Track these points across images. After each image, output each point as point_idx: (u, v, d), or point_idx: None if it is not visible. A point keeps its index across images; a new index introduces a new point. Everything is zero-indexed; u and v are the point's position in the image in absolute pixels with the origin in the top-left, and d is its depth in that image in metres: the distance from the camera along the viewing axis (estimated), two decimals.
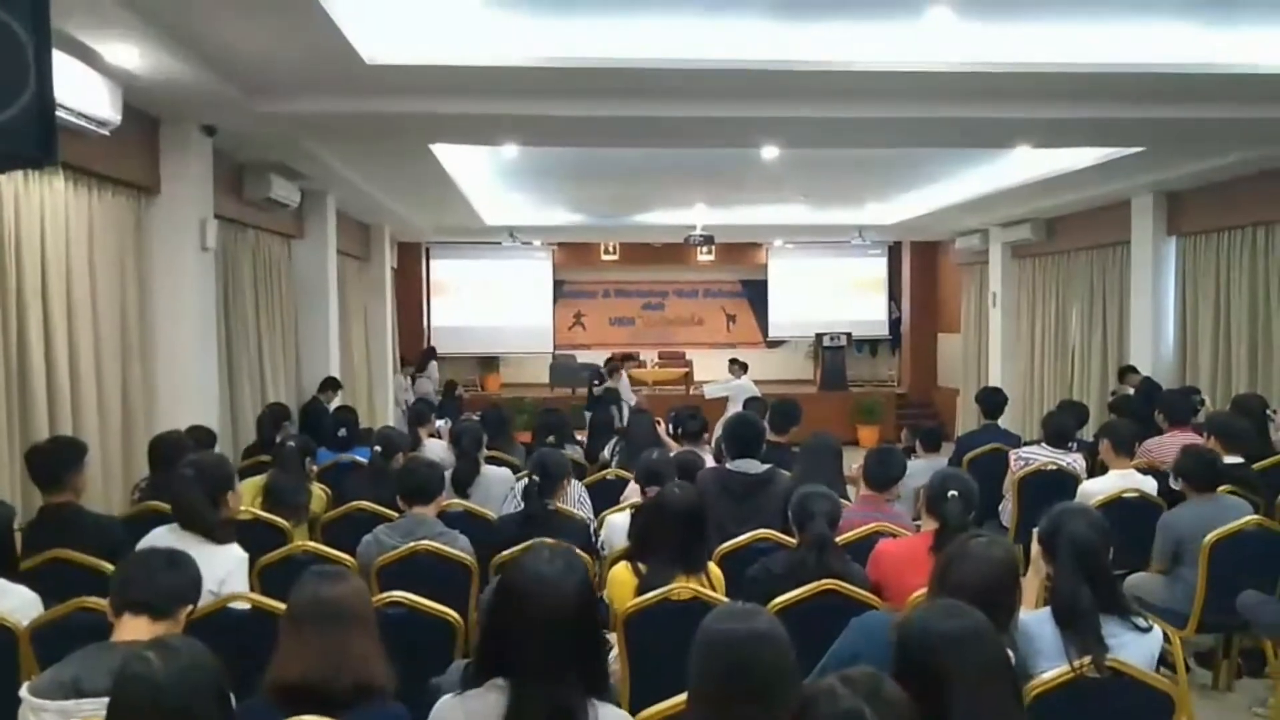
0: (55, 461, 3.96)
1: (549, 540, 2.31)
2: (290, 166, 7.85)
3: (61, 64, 4.03)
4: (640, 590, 3.27)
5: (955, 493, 3.46)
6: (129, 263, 5.89)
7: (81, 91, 4.68)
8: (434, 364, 14.64)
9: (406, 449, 5.40)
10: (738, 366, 12.08)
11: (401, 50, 5.20)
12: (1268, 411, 6.15)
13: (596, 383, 11.29)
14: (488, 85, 5.69)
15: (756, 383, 11.75)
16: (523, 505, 4.35)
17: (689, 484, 3.89)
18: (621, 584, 3.40)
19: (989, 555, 2.54)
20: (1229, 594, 4.17)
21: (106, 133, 5.01)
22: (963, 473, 3.85)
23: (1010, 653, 2.21)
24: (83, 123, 4.76)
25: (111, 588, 2.51)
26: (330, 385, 8.95)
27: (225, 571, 3.32)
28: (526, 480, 4.37)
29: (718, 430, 6.12)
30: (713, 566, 3.51)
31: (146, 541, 3.38)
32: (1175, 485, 4.69)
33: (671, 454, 5.11)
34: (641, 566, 3.39)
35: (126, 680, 1.89)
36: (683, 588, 3.21)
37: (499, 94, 5.84)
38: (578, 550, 3.82)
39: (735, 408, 9.68)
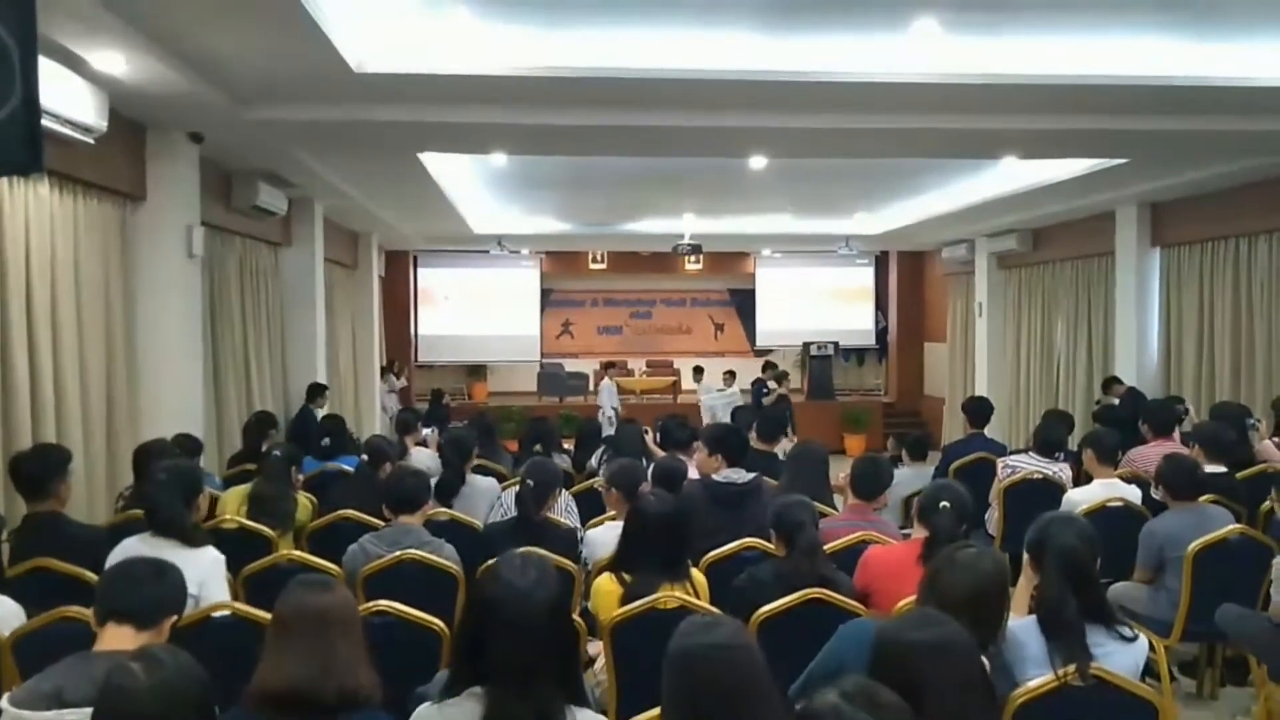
0: (40, 470, 3.93)
1: (521, 550, 2.30)
2: (278, 174, 7.83)
3: (48, 71, 4.04)
4: (625, 600, 3.27)
5: (947, 503, 3.48)
6: (114, 270, 5.86)
7: (68, 98, 4.66)
8: (391, 378, 13.82)
9: (395, 458, 5.39)
10: (728, 375, 12.30)
11: (389, 59, 5.19)
12: (1250, 421, 6.19)
13: (765, 391, 11.38)
14: (476, 94, 5.69)
15: (744, 391, 11.85)
16: (511, 513, 4.36)
17: (665, 492, 3.89)
18: (606, 594, 3.40)
19: (978, 566, 2.55)
20: (1212, 603, 4.19)
21: (92, 140, 4.99)
22: (956, 484, 3.86)
23: (986, 662, 2.22)
24: (69, 130, 4.74)
25: (96, 597, 2.50)
26: (316, 392, 8.91)
27: (203, 574, 3.32)
28: (519, 487, 4.37)
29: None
30: (696, 573, 3.51)
31: (119, 552, 3.36)
32: (1156, 494, 4.72)
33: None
34: (626, 576, 3.39)
35: (110, 692, 1.88)
36: (669, 596, 3.21)
37: (487, 103, 5.84)
38: (560, 558, 3.86)
39: (723, 418, 9.77)
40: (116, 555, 3.36)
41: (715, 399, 11.95)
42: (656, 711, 2.28)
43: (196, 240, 6.40)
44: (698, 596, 3.36)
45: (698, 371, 13.49)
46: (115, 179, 5.82)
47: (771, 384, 11.39)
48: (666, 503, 3.55)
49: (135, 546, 3.40)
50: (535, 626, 2.03)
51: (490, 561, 3.78)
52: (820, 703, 1.66)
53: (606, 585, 3.42)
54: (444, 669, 2.84)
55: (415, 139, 6.96)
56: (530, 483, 4.26)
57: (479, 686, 2.04)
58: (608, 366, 13.84)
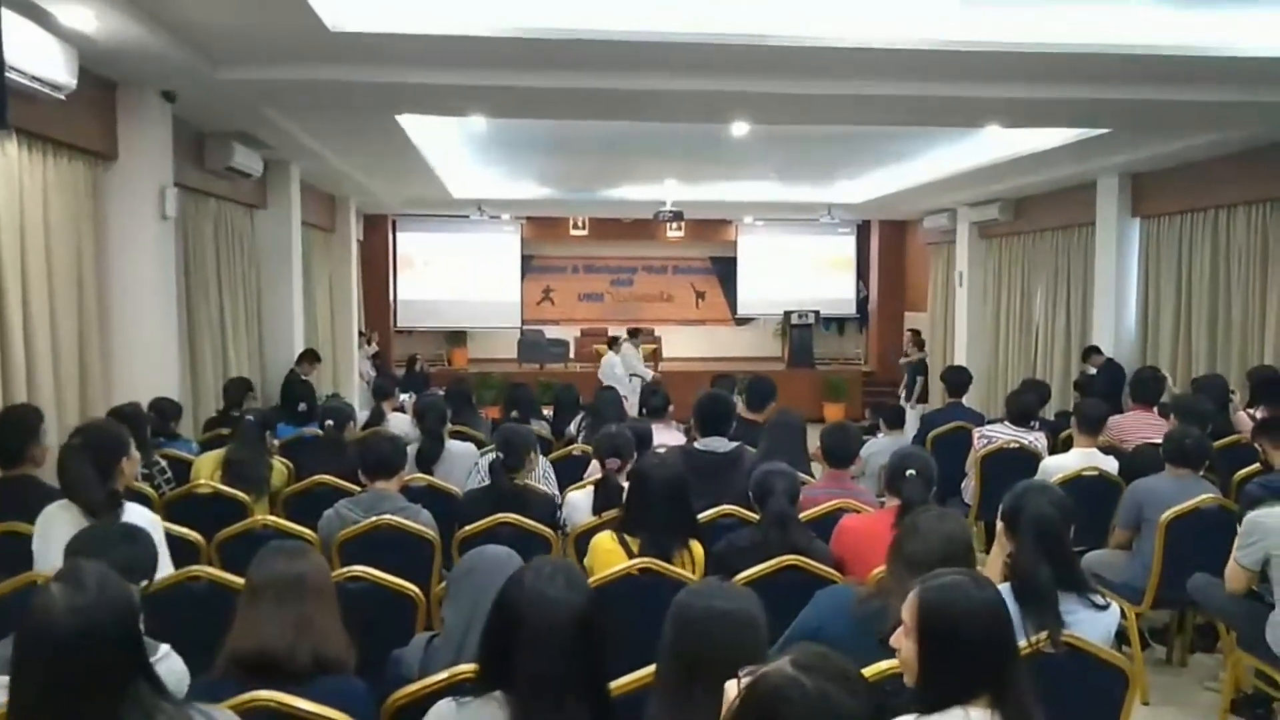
0: (11, 436, 3.87)
1: (551, 557, 2.27)
2: (253, 135, 7.71)
3: (13, 25, 3.93)
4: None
5: (913, 471, 3.49)
6: (86, 231, 5.76)
7: (34, 54, 4.53)
8: (364, 344, 13.44)
9: (355, 419, 5.35)
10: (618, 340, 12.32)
11: (367, 17, 5.08)
12: (1230, 393, 6.24)
13: (914, 343, 13.39)
14: (455, 55, 5.60)
15: (724, 359, 11.80)
16: (489, 481, 4.34)
17: (672, 456, 3.88)
18: (605, 551, 3.41)
19: (940, 529, 2.58)
20: (1185, 571, 4.24)
21: (61, 96, 4.87)
22: (921, 451, 3.88)
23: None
24: (36, 86, 4.61)
25: (65, 559, 2.46)
26: (307, 358, 8.82)
27: None
28: (493, 456, 4.35)
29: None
30: (694, 544, 3.51)
31: (43, 520, 3.29)
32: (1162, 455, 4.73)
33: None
34: (629, 538, 3.40)
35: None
36: (644, 562, 3.22)
37: (466, 64, 5.75)
38: (536, 523, 3.85)
39: (619, 386, 9.64)
40: (41, 523, 3.29)
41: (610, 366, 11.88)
42: (647, 671, 2.29)
43: (170, 201, 6.29)
44: (694, 564, 3.38)
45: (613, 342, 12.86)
46: (86, 138, 5.70)
47: (910, 349, 13.39)
48: (668, 466, 3.55)
49: (56, 513, 3.29)
50: (561, 636, 1.96)
51: (470, 527, 3.83)
52: (776, 674, 1.52)
53: (607, 543, 3.43)
54: (420, 633, 2.84)
55: (392, 100, 6.85)
56: (500, 452, 4.26)
57: (500, 692, 1.98)
58: (612, 341, 13.49)
